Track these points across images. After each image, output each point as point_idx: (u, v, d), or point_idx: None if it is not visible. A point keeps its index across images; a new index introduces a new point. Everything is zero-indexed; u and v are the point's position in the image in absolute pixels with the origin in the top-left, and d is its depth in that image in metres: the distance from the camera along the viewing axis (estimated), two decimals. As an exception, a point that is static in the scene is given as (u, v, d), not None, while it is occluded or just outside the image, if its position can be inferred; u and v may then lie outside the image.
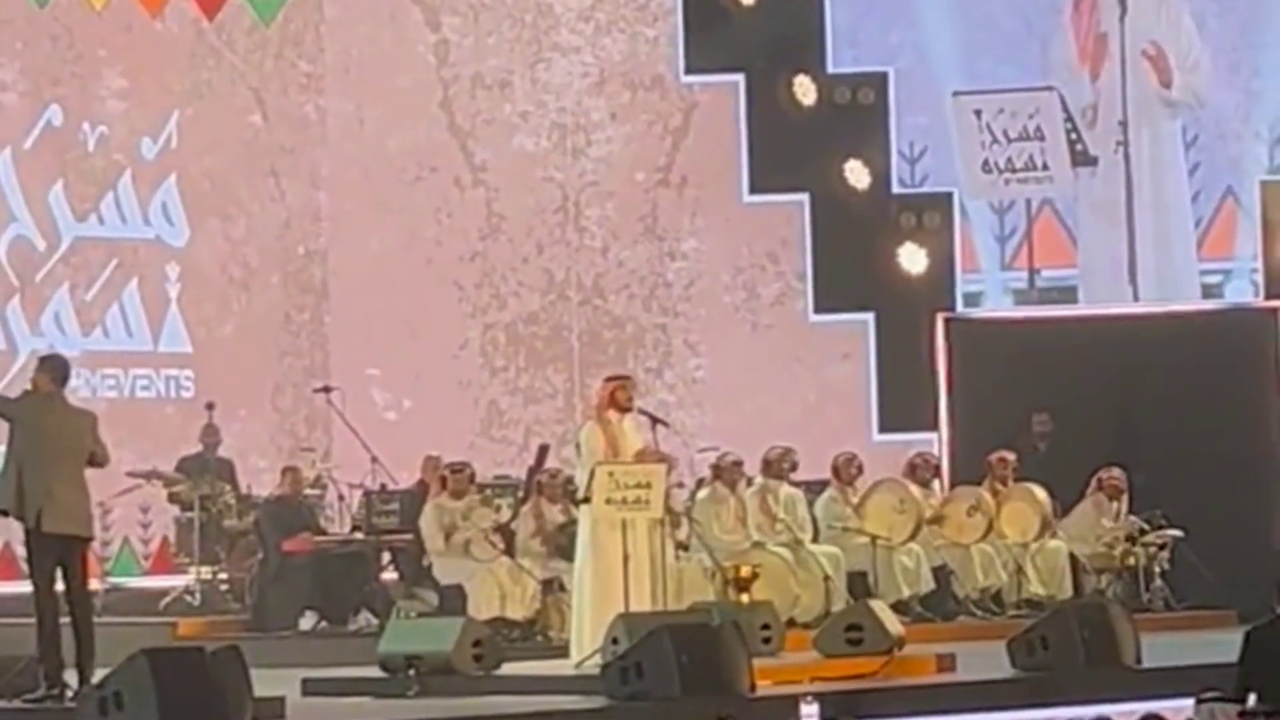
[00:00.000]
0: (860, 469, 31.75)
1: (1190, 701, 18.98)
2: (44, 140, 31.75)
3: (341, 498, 31.54)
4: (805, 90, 33.73)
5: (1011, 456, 32.37)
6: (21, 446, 23.51)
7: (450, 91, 33.45)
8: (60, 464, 23.50)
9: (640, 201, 34.37)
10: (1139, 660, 25.56)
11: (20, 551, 26.13)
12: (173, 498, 30.63)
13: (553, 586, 28.75)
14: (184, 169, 33.02)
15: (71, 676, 23.23)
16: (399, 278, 32.65)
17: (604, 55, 34.53)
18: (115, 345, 31.73)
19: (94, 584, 26.52)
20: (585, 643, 25.60)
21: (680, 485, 29.21)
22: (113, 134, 32.10)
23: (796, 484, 31.21)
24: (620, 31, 34.21)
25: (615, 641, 24.40)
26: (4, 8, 31.33)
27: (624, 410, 26.79)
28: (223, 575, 30.38)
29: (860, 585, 30.97)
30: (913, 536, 31.90)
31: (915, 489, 32.45)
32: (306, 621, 29.37)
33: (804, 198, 34.05)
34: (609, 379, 27.51)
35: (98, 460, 24.51)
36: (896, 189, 34.84)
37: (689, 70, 34.41)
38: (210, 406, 31.25)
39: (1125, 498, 33.97)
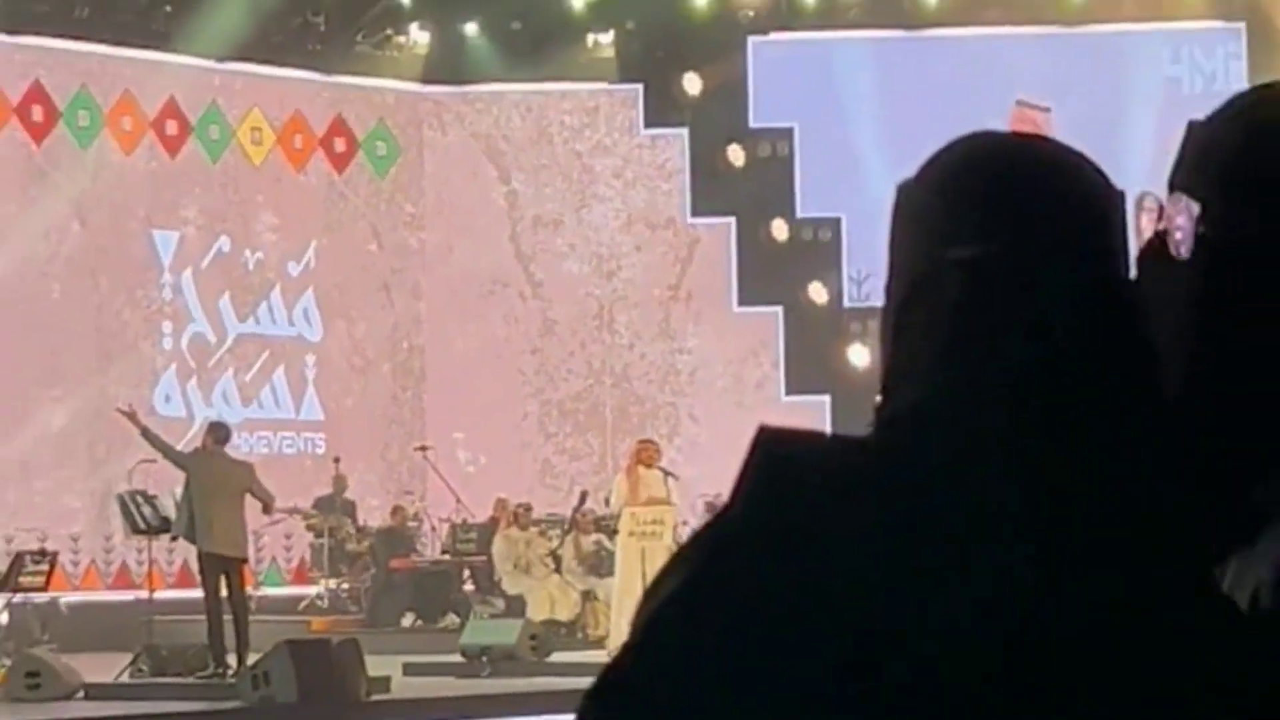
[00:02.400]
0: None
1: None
2: (216, 262, 32.79)
3: (433, 529, 32.78)
4: (779, 230, 34.63)
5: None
6: (194, 489, 25.60)
7: (517, 228, 34.40)
8: (222, 502, 25.43)
9: (656, 311, 35.34)
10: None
11: (195, 567, 26.57)
12: (309, 528, 31.88)
13: (590, 596, 30.03)
14: (319, 284, 34.10)
15: (232, 660, 25.11)
16: (477, 366, 33.51)
17: (630, 203, 35.55)
18: (267, 415, 32.76)
19: (249, 590, 26.85)
20: (619, 638, 27.53)
21: (685, 523, 29.44)
22: (266, 258, 33.16)
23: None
24: (643, 185, 35.20)
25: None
26: (187, 165, 32.48)
27: (649, 466, 28.48)
28: (345, 585, 31.56)
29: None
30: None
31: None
32: (407, 620, 30.53)
33: (778, 309, 35.02)
34: (641, 441, 29.12)
35: (266, 504, 26.35)
36: (847, 304, 35.36)
37: (694, 214, 35.31)
38: (337, 460, 32.29)
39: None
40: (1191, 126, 3.29)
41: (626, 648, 2.82)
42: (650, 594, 2.85)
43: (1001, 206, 3.14)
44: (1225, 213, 3.20)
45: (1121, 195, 3.21)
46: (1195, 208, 3.17)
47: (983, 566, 2.92)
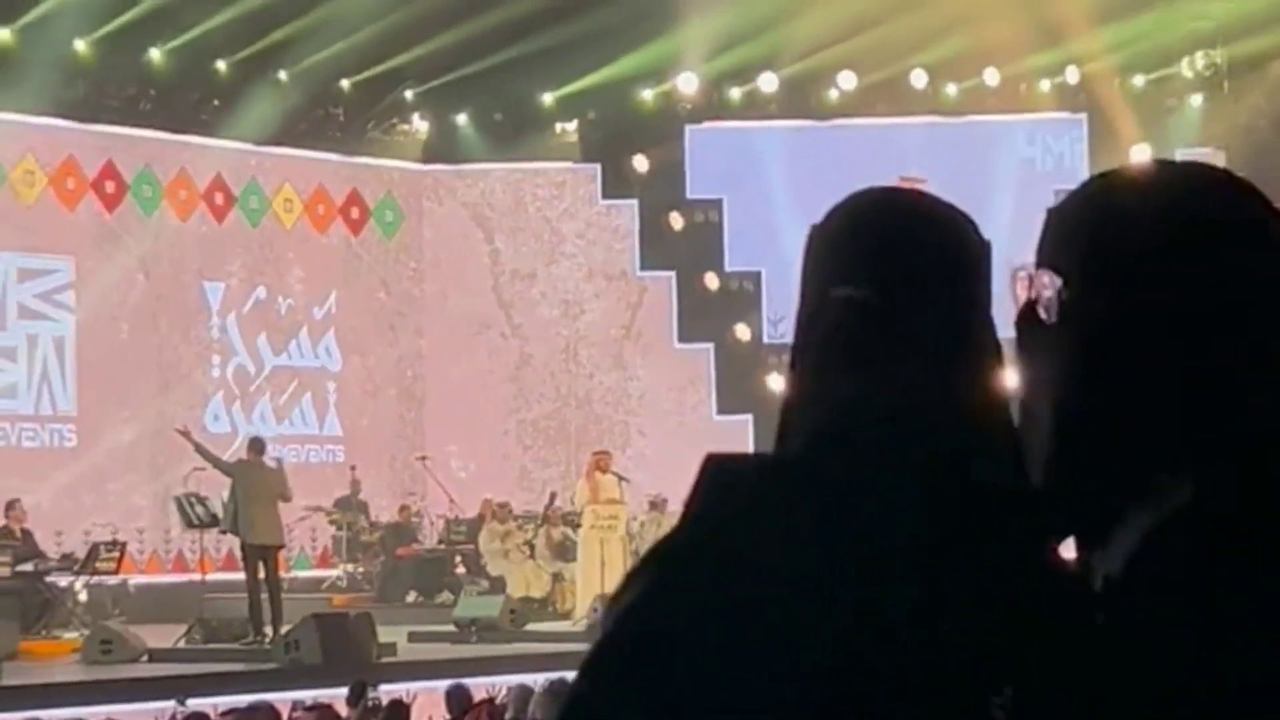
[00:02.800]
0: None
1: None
2: (254, 308, 33.17)
3: (431, 523, 33.01)
4: (711, 281, 34.92)
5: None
6: (237, 492, 26.10)
7: (499, 280, 34.79)
8: (260, 502, 25.97)
9: (612, 347, 35.52)
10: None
11: (238, 554, 26.79)
12: (330, 522, 32.20)
13: (558, 577, 30.29)
14: (339, 325, 34.39)
15: (268, 629, 25.50)
16: (467, 392, 33.87)
17: (591, 259, 35.58)
18: (296, 431, 33.04)
19: (282, 573, 27.02)
20: (581, 611, 28.13)
21: (635, 518, 30.15)
22: (296, 304, 33.51)
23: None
24: (601, 245, 35.44)
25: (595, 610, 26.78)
26: (231, 229, 32.91)
27: (605, 472, 28.81)
28: (360, 569, 31.66)
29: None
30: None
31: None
32: (410, 597, 30.62)
33: (710, 346, 35.06)
34: (597, 452, 29.63)
35: (287, 498, 26.93)
36: (766, 341, 35.08)
37: (642, 268, 35.48)
38: (353, 468, 32.60)
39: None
40: (1051, 211, 3.26)
41: (595, 655, 3.00)
42: (614, 599, 3.04)
43: (880, 251, 3.28)
44: (1083, 287, 3.16)
45: (989, 246, 3.36)
46: (1058, 281, 3.15)
47: (881, 580, 3.04)
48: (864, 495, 3.09)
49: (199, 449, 27.00)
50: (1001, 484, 3.26)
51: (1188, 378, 3.10)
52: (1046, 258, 3.22)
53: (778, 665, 3.02)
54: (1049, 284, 3.18)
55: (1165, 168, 3.27)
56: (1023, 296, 3.25)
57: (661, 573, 3.04)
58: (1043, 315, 3.19)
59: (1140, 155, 33.61)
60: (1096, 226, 3.20)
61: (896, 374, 3.23)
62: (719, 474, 3.11)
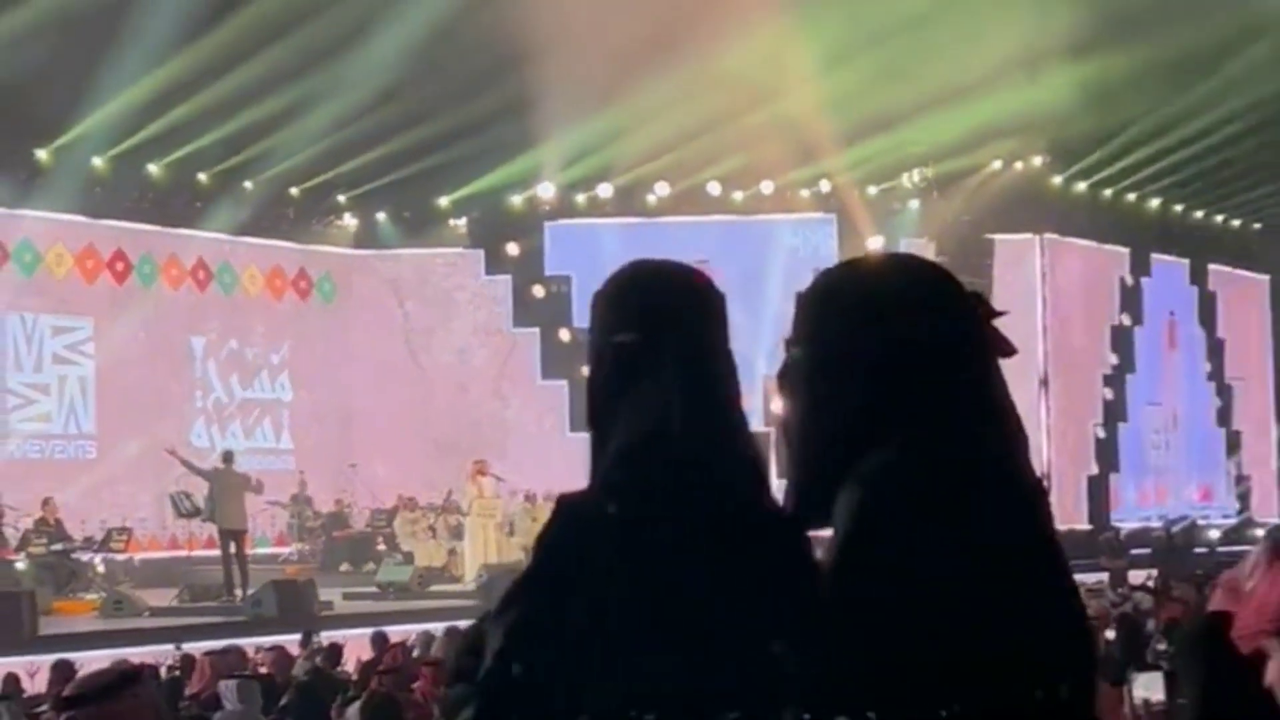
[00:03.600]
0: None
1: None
2: (227, 356, 32.60)
3: (360, 513, 32.35)
4: (564, 335, 34.01)
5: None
6: (214, 491, 25.83)
7: (409, 335, 34.41)
8: (231, 498, 25.78)
9: (492, 385, 35.05)
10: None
11: (216, 537, 26.61)
12: (285, 511, 31.70)
13: (453, 552, 29.94)
14: (290, 368, 33.64)
15: (238, 592, 25.29)
16: (387, 418, 33.23)
17: (477, 319, 35.08)
18: (259, 445, 32.48)
19: (248, 550, 26.84)
20: (470, 577, 27.84)
21: (510, 508, 30.01)
22: (259, 352, 32.98)
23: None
24: (485, 308, 35.04)
25: (480, 576, 26.99)
26: (210, 297, 32.42)
27: (485, 475, 28.69)
28: (306, 547, 31.31)
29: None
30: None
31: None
32: (344, 567, 30.35)
33: (565, 382, 33.95)
34: (477, 460, 29.23)
35: (259, 491, 27.14)
36: None
37: (514, 325, 35.07)
38: (302, 473, 32.20)
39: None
40: (796, 295, 3.39)
41: (489, 668, 3.22)
42: (497, 615, 3.27)
43: (643, 304, 3.42)
44: (798, 345, 3.31)
45: (723, 297, 3.50)
46: (793, 344, 3.31)
47: (687, 595, 3.23)
48: (662, 531, 3.22)
49: (184, 462, 26.96)
50: (763, 503, 3.39)
51: (863, 407, 3.23)
52: (791, 328, 3.36)
53: (610, 669, 3.17)
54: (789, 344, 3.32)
55: (859, 263, 3.45)
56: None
57: (529, 597, 3.24)
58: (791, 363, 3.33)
59: (874, 245, 33.78)
60: (804, 304, 3.35)
61: (663, 405, 3.34)
62: (567, 513, 3.30)
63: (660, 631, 3.20)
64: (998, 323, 3.32)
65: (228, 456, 27.28)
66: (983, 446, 3.27)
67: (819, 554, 3.30)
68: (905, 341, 3.26)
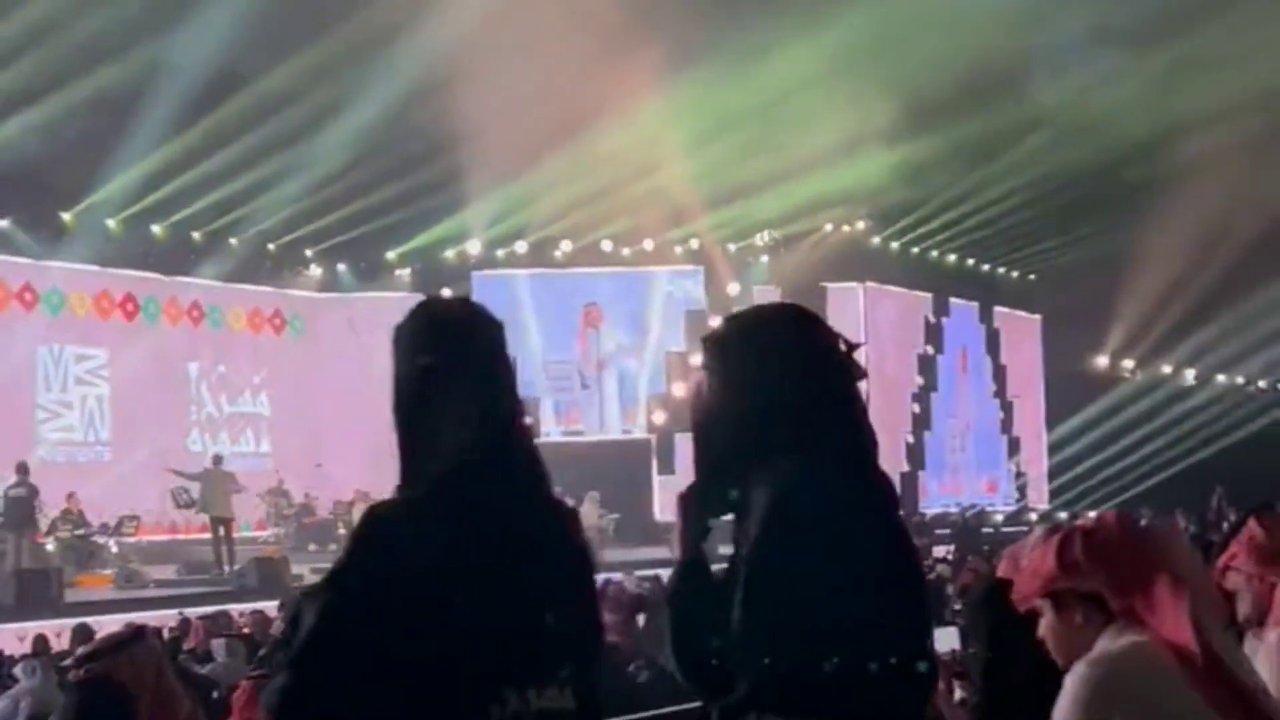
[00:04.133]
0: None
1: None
2: (217, 378, 32.06)
3: (325, 504, 31.67)
4: None
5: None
6: (205, 488, 25.71)
7: (364, 364, 31.93)
8: (220, 492, 25.46)
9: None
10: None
11: (208, 524, 26.42)
12: (265, 503, 30.99)
13: None
14: (269, 388, 33.14)
15: (226, 568, 25.00)
16: (346, 427, 31.65)
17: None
18: (243, 450, 31.88)
19: (234, 534, 26.58)
20: None
21: None
22: (243, 376, 32.44)
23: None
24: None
25: None
26: (203, 331, 31.90)
27: None
28: (282, 531, 30.53)
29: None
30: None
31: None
32: (312, 548, 29.65)
33: None
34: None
35: (239, 490, 26.74)
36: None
37: None
38: (278, 472, 31.58)
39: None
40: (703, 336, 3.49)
41: (301, 641, 3.09)
42: (314, 595, 3.15)
43: (438, 331, 3.39)
44: (710, 374, 3.39)
45: (502, 325, 3.48)
46: (702, 373, 3.42)
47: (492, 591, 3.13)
48: (457, 524, 3.14)
49: (178, 473, 27.05)
50: (541, 496, 3.35)
51: (760, 426, 3.28)
52: (704, 360, 3.43)
53: (410, 643, 3.05)
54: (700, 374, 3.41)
55: (761, 309, 3.51)
56: (694, 378, 3.56)
57: (333, 595, 3.09)
58: (701, 392, 3.40)
59: (733, 291, 34.02)
60: (719, 341, 3.41)
61: (460, 416, 3.27)
62: (376, 514, 3.20)
63: (451, 608, 3.11)
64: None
65: (217, 459, 27.21)
66: (860, 455, 3.40)
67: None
68: (793, 372, 3.32)
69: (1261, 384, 42.32)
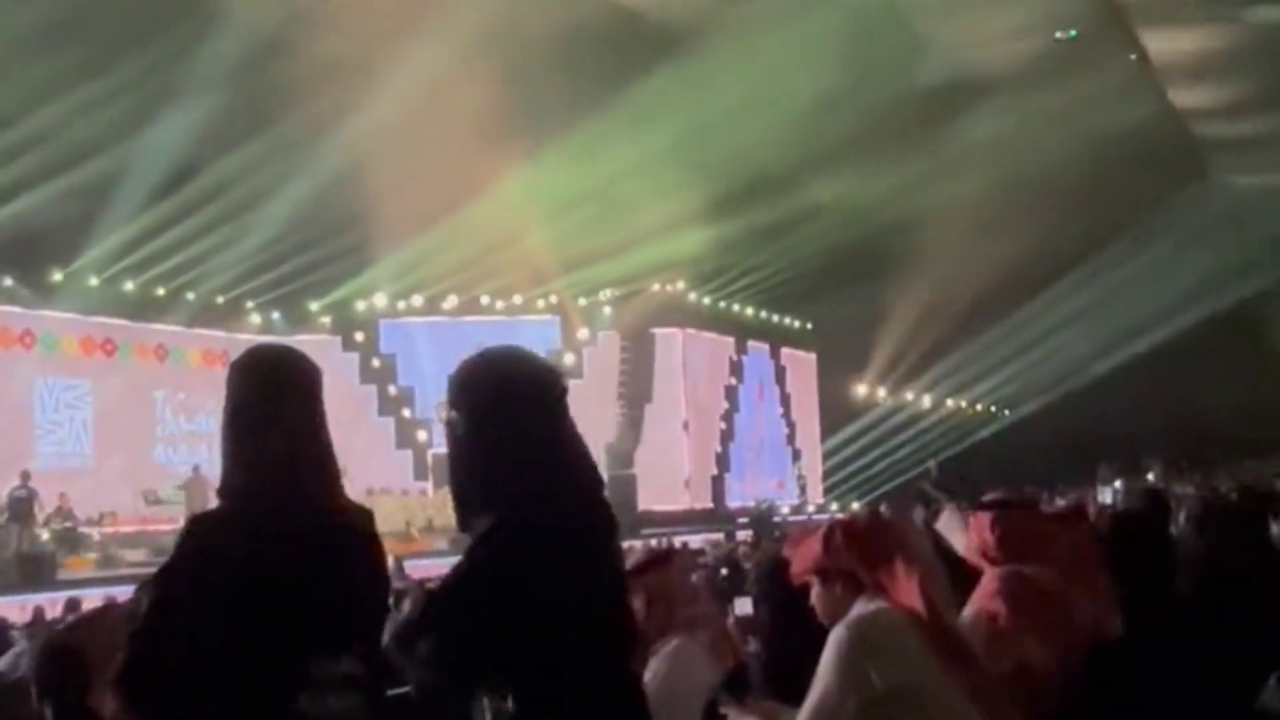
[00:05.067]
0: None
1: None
2: (179, 403, 31.06)
3: None
4: (394, 391, 32.59)
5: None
6: (187, 493, 25.33)
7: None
8: (198, 496, 24.47)
9: (348, 420, 33.18)
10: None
11: (182, 520, 25.36)
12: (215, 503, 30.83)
13: None
14: (220, 411, 32.63)
15: None
16: None
17: (337, 379, 30.59)
18: (199, 460, 30.78)
19: None
20: None
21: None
22: (199, 401, 30.99)
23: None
24: (342, 375, 32.51)
25: None
26: (169, 367, 31.03)
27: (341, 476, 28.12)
28: None
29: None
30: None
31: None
32: None
33: (391, 419, 32.98)
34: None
35: (216, 489, 26.09)
36: (418, 416, 33.20)
37: (360, 383, 33.26)
38: None
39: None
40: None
41: (134, 630, 2.99)
42: (148, 587, 3.07)
43: (262, 377, 3.30)
44: (453, 410, 3.14)
45: (317, 371, 3.34)
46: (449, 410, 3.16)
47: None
48: (268, 538, 3.03)
49: (152, 496, 27.15)
50: (338, 510, 3.19)
51: (495, 456, 3.01)
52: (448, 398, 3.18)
53: (225, 636, 2.94)
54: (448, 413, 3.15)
55: (488, 353, 3.21)
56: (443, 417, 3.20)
57: (159, 592, 3.01)
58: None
59: (583, 336, 33.95)
60: (456, 383, 3.17)
61: (272, 449, 3.21)
62: (199, 525, 3.17)
63: (261, 595, 3.01)
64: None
65: (196, 469, 26.64)
66: (573, 489, 3.06)
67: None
68: (514, 409, 3.06)
69: (979, 406, 43.17)
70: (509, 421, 3.04)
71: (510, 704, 2.86)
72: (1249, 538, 6.29)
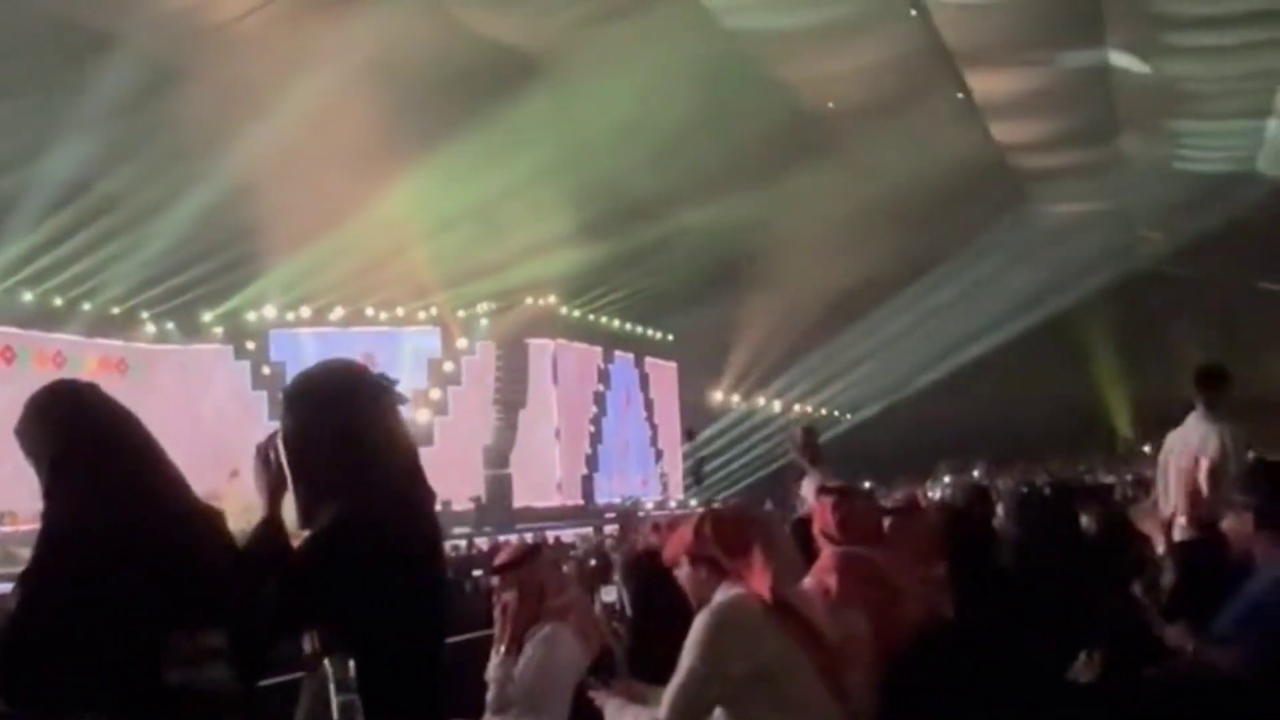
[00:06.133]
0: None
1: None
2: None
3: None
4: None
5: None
6: None
7: (189, 395, 31.66)
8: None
9: (239, 423, 30.95)
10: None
11: None
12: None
13: None
14: None
15: None
16: (176, 443, 31.18)
17: (231, 386, 32.63)
18: None
19: None
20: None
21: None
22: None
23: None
24: (234, 380, 32.60)
25: None
26: (66, 375, 28.68)
27: (236, 475, 25.35)
28: None
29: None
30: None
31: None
32: None
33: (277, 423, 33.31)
34: (233, 470, 26.44)
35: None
36: None
37: (252, 389, 32.78)
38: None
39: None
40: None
41: (12, 619, 2.96)
42: (23, 579, 3.02)
43: (69, 417, 3.32)
44: (286, 419, 3.21)
45: (119, 411, 3.31)
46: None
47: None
48: (120, 534, 2.99)
49: None
50: (194, 508, 3.21)
51: (314, 463, 3.08)
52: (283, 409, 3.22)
53: (96, 623, 2.90)
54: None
55: (324, 364, 3.31)
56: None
57: (38, 570, 2.96)
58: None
59: (461, 345, 33.74)
60: (288, 395, 3.26)
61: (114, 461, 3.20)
62: (69, 527, 3.05)
63: (117, 582, 2.98)
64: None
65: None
66: (398, 483, 3.16)
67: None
68: (340, 417, 3.16)
69: (824, 410, 43.76)
70: (337, 422, 3.13)
71: (352, 672, 2.93)
72: (1060, 527, 6.45)
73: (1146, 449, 30.11)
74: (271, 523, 3.23)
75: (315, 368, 3.33)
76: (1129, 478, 19.97)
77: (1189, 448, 7.49)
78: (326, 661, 3.01)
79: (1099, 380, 42.13)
